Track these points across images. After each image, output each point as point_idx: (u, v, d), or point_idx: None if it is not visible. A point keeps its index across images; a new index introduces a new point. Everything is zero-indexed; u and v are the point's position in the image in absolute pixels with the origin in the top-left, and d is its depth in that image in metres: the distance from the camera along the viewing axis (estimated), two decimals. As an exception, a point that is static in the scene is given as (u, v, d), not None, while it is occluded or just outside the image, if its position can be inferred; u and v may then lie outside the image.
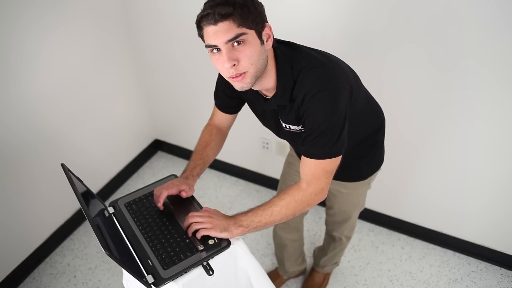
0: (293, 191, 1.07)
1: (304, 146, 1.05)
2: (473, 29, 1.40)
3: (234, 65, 0.94)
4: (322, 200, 1.10)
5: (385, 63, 1.63)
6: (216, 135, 1.30)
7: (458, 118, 1.62)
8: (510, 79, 1.44)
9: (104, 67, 2.07)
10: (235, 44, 0.92)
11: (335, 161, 1.05)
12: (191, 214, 1.10)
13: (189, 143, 2.49)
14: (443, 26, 1.44)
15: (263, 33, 0.96)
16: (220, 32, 0.91)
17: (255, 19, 0.92)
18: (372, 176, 1.39)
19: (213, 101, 1.30)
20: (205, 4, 0.93)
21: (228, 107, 1.27)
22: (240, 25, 0.91)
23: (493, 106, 1.53)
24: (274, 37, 1.02)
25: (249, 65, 0.95)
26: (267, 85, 1.05)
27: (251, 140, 2.21)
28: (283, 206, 1.07)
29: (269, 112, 1.15)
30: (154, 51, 2.19)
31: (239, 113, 1.32)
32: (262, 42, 0.96)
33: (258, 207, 1.08)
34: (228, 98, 1.23)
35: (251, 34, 0.93)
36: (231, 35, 0.91)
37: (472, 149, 1.67)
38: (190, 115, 2.34)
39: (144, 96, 2.41)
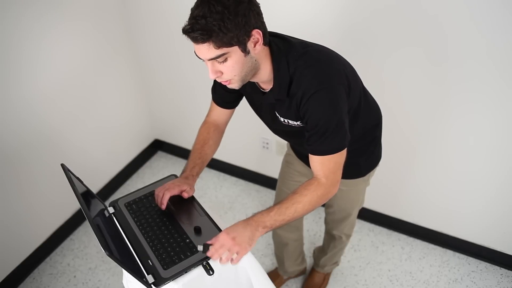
0: (315, 187, 1.08)
1: (311, 145, 1.06)
2: (468, 21, 1.40)
3: (218, 75, 0.97)
4: (336, 193, 1.12)
5: (384, 61, 1.63)
6: (214, 132, 1.30)
7: (458, 118, 1.62)
8: (510, 81, 1.45)
9: (104, 67, 2.07)
10: (218, 60, 0.93)
11: (344, 153, 1.08)
12: (213, 249, 1.00)
13: (189, 143, 2.46)
14: (440, 22, 1.44)
15: (249, 42, 0.94)
16: (200, 50, 0.93)
17: (235, 36, 0.90)
18: (371, 172, 1.39)
19: (212, 101, 1.29)
20: (189, 18, 0.91)
21: (226, 102, 1.26)
22: (220, 46, 0.90)
23: (493, 107, 1.53)
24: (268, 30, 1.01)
25: (233, 76, 0.98)
26: (263, 78, 1.06)
27: (251, 140, 2.21)
28: (306, 203, 1.07)
29: (266, 106, 1.15)
30: (154, 51, 2.19)
31: (239, 113, 1.31)
32: (248, 52, 0.95)
33: (280, 205, 1.07)
34: (226, 92, 1.22)
35: (233, 51, 0.92)
36: (211, 55, 0.92)
37: (472, 150, 1.67)
38: (190, 115, 2.34)
39: (144, 96, 2.41)
